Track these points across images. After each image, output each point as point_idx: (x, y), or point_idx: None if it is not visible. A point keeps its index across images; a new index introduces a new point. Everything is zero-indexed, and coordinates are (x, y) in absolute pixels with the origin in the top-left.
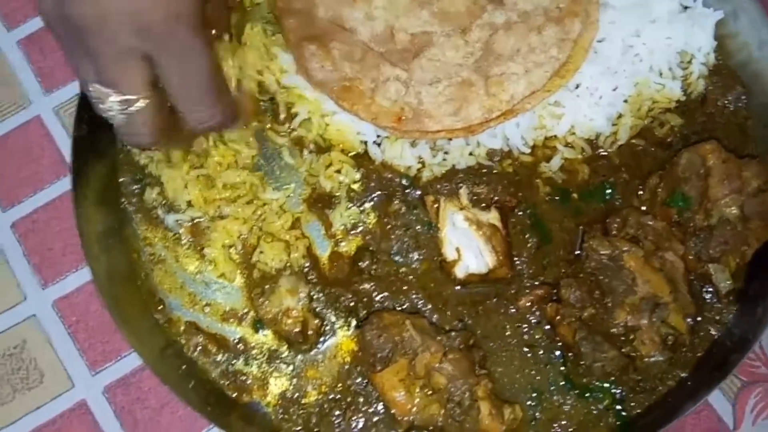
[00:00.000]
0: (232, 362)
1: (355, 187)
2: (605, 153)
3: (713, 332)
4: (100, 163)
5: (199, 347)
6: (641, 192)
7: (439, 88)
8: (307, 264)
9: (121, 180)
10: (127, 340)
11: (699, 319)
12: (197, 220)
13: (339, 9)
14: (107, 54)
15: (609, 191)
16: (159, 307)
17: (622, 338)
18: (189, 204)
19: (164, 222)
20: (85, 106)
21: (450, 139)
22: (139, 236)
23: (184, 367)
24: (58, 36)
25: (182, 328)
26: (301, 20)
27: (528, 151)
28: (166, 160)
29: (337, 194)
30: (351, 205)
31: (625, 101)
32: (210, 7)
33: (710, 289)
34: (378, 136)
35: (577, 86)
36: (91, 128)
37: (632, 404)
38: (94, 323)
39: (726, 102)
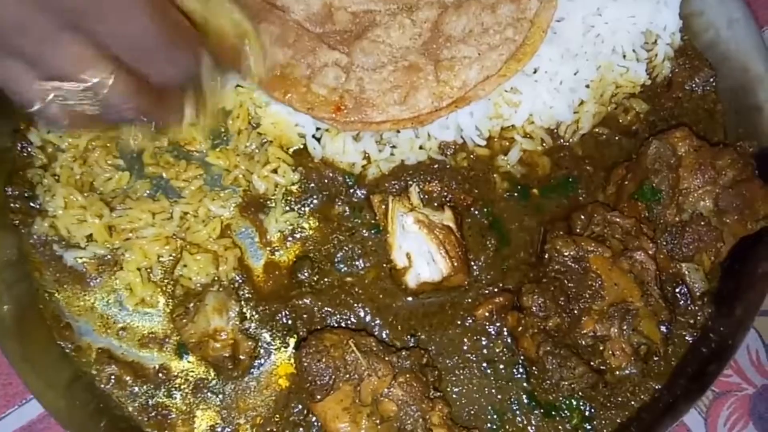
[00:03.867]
0: (152, 394)
1: (293, 188)
2: (567, 144)
3: (688, 338)
4: None
5: (113, 378)
6: (607, 185)
7: (384, 74)
8: (239, 277)
9: (7, 192)
10: (21, 376)
11: (672, 323)
12: (104, 256)
13: None
14: (46, 45)
15: (572, 185)
16: (66, 333)
17: (590, 349)
18: (90, 238)
19: (63, 259)
20: None
21: (398, 132)
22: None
23: (95, 403)
24: None
25: (93, 356)
26: None
27: (483, 143)
28: (51, 194)
29: (273, 197)
30: (288, 208)
31: (587, 86)
32: None
33: (683, 291)
34: (318, 129)
35: (535, 71)
36: None
37: (603, 422)
38: None
39: (693, 85)
